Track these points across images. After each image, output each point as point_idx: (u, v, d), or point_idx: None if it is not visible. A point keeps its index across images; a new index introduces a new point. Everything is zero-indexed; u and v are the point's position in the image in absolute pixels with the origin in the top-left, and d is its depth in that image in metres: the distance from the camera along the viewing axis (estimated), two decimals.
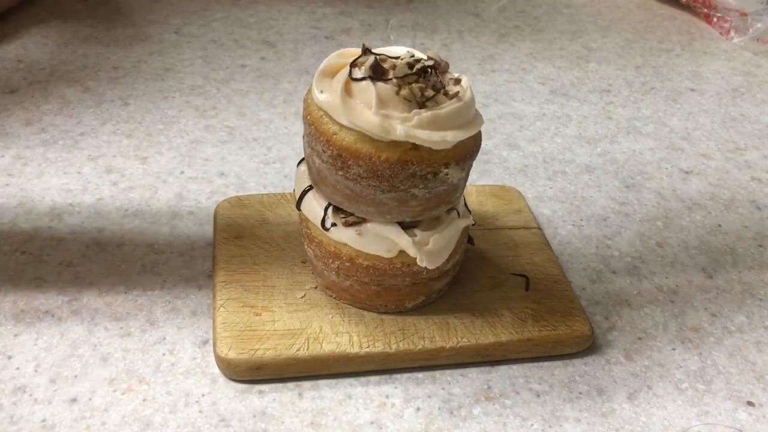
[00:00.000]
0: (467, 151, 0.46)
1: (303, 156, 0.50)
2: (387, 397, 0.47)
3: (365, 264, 0.48)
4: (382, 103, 0.43)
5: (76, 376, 0.46)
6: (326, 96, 0.45)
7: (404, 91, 0.43)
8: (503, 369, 0.50)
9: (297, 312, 0.50)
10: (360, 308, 0.51)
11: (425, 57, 0.46)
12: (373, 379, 0.48)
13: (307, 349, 0.47)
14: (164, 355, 0.48)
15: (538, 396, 0.48)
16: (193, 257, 0.56)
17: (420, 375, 0.49)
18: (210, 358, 0.48)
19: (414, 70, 0.44)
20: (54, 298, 0.51)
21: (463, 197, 0.51)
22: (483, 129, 0.47)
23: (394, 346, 0.48)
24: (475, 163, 0.57)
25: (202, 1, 0.95)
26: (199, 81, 0.78)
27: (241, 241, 0.55)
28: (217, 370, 0.48)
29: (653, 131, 0.78)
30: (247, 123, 0.72)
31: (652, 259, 0.60)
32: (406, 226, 0.48)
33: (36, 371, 0.46)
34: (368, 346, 0.48)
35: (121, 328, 0.50)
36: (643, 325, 0.54)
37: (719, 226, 0.65)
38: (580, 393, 0.49)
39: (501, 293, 0.53)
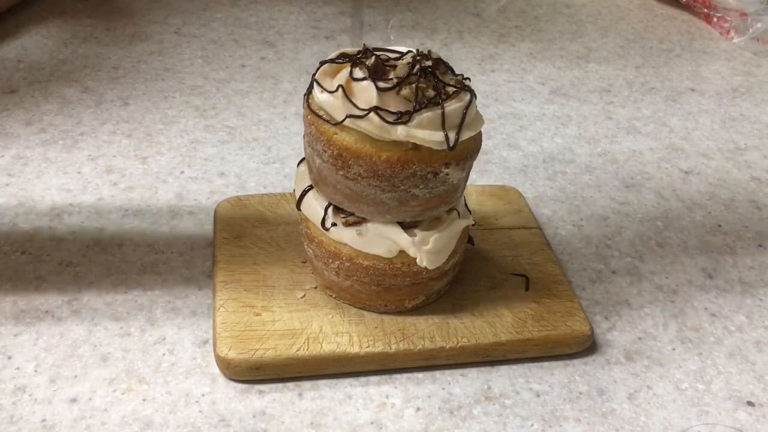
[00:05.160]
0: (467, 151, 0.46)
1: (303, 156, 0.50)
2: (387, 397, 0.47)
3: (365, 264, 0.48)
4: (382, 103, 0.43)
5: (76, 376, 0.46)
6: (327, 96, 0.45)
7: (405, 91, 0.43)
8: (503, 369, 0.50)
9: (297, 312, 0.50)
10: (360, 308, 0.51)
11: (426, 57, 0.46)
12: (373, 379, 0.48)
13: (307, 349, 0.47)
14: (164, 355, 0.48)
15: (538, 396, 0.48)
16: (193, 257, 0.56)
17: (420, 375, 0.49)
18: (210, 358, 0.48)
19: (414, 70, 0.44)
20: (54, 298, 0.51)
21: (463, 197, 0.51)
22: (483, 129, 0.47)
23: (394, 346, 0.48)
24: (475, 163, 0.57)
25: (202, 1, 0.95)
26: (199, 81, 0.78)
27: (241, 241, 0.55)
28: (217, 370, 0.48)
29: (653, 131, 0.78)
30: (247, 123, 0.72)
31: (652, 259, 0.60)
32: (407, 226, 0.48)
33: (36, 371, 0.46)
34: (368, 346, 0.48)
35: (121, 328, 0.50)
36: (643, 325, 0.54)
37: (719, 226, 0.65)
38: (580, 393, 0.49)
39: (501, 293, 0.53)
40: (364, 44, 0.47)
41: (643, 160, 0.73)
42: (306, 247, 0.51)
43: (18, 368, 0.47)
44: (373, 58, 0.45)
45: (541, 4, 1.04)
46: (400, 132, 0.43)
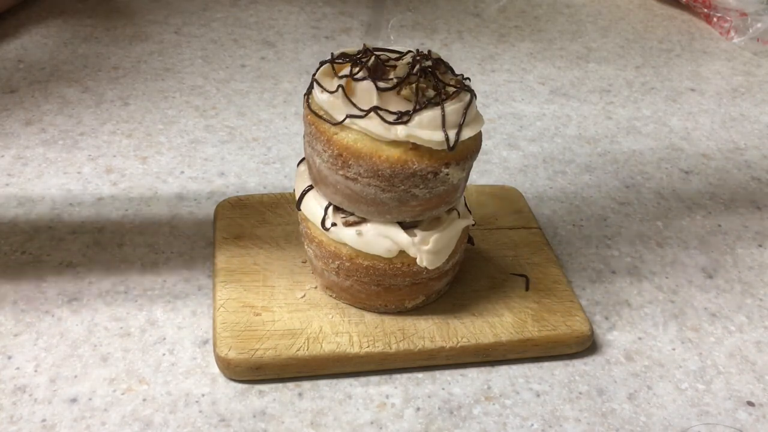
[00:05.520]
0: (467, 151, 0.46)
1: (303, 156, 0.50)
2: (387, 397, 0.47)
3: (365, 264, 0.48)
4: (382, 103, 0.43)
5: (76, 376, 0.46)
6: (327, 96, 0.45)
7: (405, 91, 0.43)
8: (503, 369, 0.50)
9: (297, 312, 0.50)
10: (360, 308, 0.51)
11: (426, 57, 0.46)
12: (373, 379, 0.48)
13: (307, 349, 0.47)
14: (164, 355, 0.48)
15: (538, 396, 0.48)
16: (193, 257, 0.56)
17: (420, 375, 0.49)
18: (210, 358, 0.48)
19: (414, 70, 0.44)
20: (54, 298, 0.51)
21: (463, 197, 0.51)
22: (483, 129, 0.47)
23: (394, 346, 0.48)
24: (475, 163, 0.57)
25: (202, 1, 0.95)
26: (199, 81, 0.78)
27: (241, 241, 0.55)
28: (217, 370, 0.48)
29: (653, 131, 0.78)
30: (247, 123, 0.72)
31: (652, 259, 0.60)
32: (406, 226, 0.48)
33: (36, 371, 0.46)
34: (368, 346, 0.48)
35: (121, 328, 0.50)
36: (643, 325, 0.54)
37: (719, 226, 0.65)
38: (580, 393, 0.49)
39: (501, 293, 0.53)
40: (364, 44, 0.47)
41: (643, 160, 0.73)
42: (306, 247, 0.51)
43: (18, 368, 0.47)
44: (373, 58, 0.45)
45: (541, 4, 1.04)
46: (400, 132, 0.43)
